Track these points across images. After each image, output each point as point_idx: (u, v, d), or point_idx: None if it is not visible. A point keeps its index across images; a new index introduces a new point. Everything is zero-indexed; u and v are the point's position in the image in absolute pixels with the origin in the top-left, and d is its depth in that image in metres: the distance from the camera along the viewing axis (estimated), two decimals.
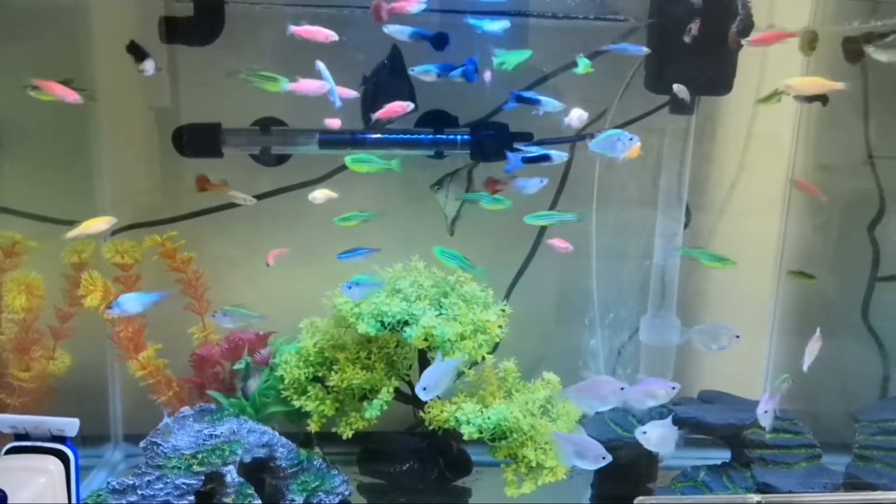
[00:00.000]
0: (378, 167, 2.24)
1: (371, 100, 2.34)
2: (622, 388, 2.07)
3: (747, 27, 2.29)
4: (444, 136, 2.47)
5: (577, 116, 2.14)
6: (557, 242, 2.31)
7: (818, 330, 2.29)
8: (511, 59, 2.14)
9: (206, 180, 2.35)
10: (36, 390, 2.38)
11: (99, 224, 2.15)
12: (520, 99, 2.16)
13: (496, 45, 2.20)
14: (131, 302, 2.08)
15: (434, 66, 2.13)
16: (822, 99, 2.46)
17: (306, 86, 2.09)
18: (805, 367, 2.26)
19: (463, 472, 2.39)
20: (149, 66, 2.16)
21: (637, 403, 2.16)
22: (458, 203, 2.47)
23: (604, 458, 2.01)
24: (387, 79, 2.31)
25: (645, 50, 2.24)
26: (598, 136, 2.12)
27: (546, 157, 2.21)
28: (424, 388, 1.99)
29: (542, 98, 2.16)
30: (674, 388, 2.10)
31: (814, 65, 2.53)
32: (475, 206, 2.49)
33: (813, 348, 2.27)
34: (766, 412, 2.14)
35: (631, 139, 2.10)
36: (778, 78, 2.57)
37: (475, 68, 2.12)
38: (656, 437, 2.09)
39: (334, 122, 2.20)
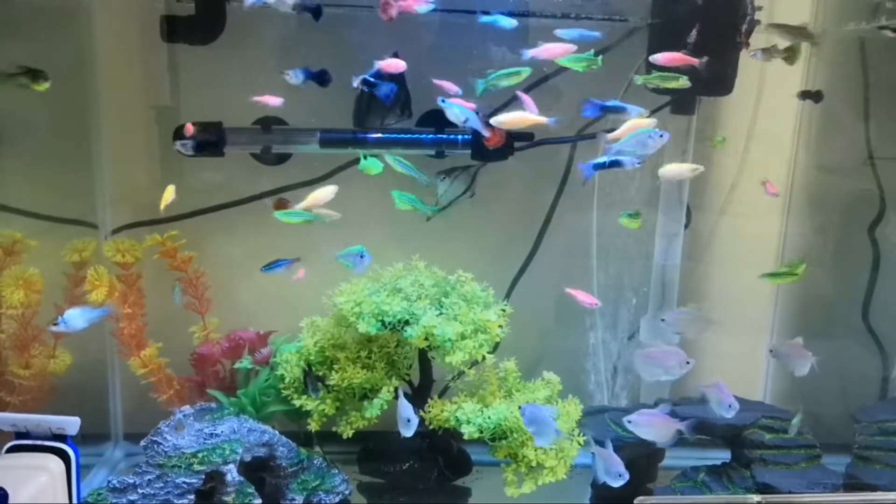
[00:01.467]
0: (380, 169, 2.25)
1: (366, 104, 2.34)
2: (688, 363, 2.10)
3: (750, 27, 2.29)
4: (444, 136, 2.47)
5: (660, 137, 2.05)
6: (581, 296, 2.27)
7: (800, 339, 2.28)
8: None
9: (284, 204, 2.33)
10: (36, 388, 2.38)
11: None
12: (603, 108, 2.13)
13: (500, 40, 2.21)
14: (76, 318, 2.07)
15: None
16: (815, 96, 2.46)
17: (549, 51, 2.07)
18: (802, 372, 2.26)
19: (463, 471, 2.39)
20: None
21: (714, 405, 2.15)
22: (451, 197, 2.47)
23: (620, 475, 2.02)
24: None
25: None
26: (624, 140, 2.06)
27: (617, 164, 2.12)
28: (409, 420, 2.02)
29: (627, 105, 2.11)
30: (731, 406, 2.12)
31: (815, 64, 2.54)
32: (473, 205, 2.50)
33: (798, 355, 2.27)
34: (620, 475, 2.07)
35: (661, 135, 2.04)
36: (779, 78, 2.59)
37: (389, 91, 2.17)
38: (529, 413, 2.02)
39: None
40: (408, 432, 2.03)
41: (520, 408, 2.05)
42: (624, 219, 2.21)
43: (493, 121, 2.09)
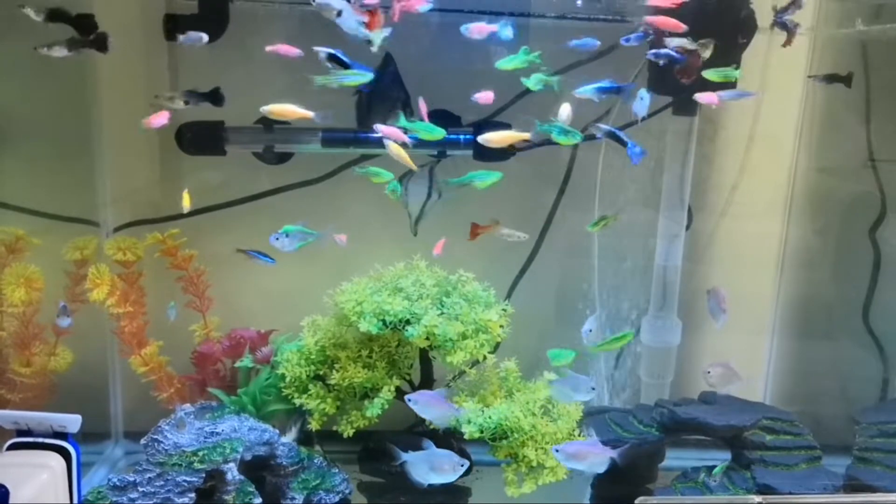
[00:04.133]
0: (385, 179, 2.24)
1: (366, 107, 2.34)
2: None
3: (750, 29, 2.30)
4: (446, 136, 2.46)
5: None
6: None
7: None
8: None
9: (477, 226, 2.31)
10: (37, 386, 2.38)
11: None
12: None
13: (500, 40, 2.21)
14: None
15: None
16: (846, 80, 2.43)
17: None
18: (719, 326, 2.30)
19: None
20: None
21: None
22: (420, 203, 2.46)
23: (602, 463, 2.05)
24: (380, 86, 2.29)
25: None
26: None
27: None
28: (462, 465, 2.04)
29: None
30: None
31: (816, 67, 2.54)
32: (474, 205, 2.49)
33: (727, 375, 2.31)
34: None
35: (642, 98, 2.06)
36: (779, 80, 2.59)
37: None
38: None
39: None
40: (450, 479, 2.04)
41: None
42: None
43: (262, 110, 2.07)
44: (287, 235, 2.13)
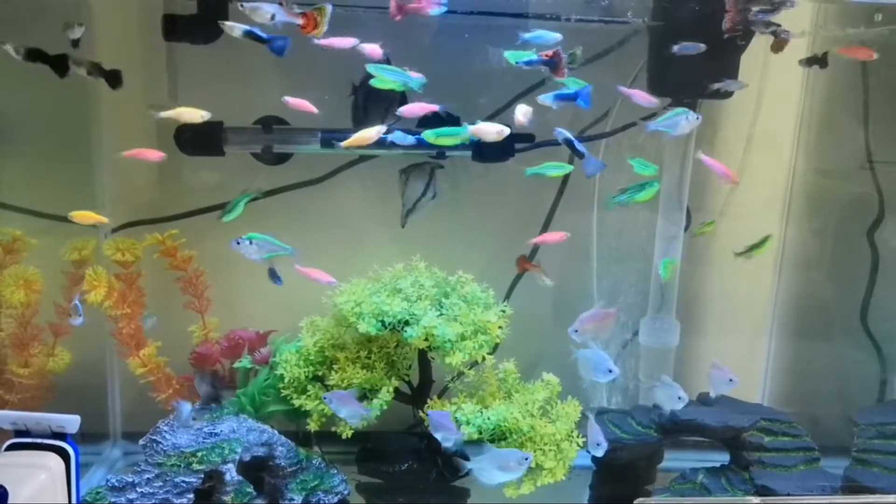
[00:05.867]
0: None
1: (361, 107, 2.34)
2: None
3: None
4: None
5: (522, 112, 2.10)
6: None
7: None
8: None
9: (525, 260, 2.39)
10: (36, 387, 2.38)
11: None
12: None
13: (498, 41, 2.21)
14: None
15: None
16: (822, 62, 2.44)
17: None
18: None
19: (461, 472, 2.39)
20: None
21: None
22: (414, 196, 2.46)
23: (598, 444, 2.13)
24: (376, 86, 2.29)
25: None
26: (661, 117, 2.10)
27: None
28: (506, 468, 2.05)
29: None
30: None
31: (814, 68, 2.54)
32: (473, 206, 2.49)
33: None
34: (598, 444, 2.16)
35: (697, 117, 2.08)
36: (779, 82, 2.59)
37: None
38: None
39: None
40: (516, 475, 2.05)
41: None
42: None
43: (163, 114, 2.10)
44: (251, 242, 2.13)
